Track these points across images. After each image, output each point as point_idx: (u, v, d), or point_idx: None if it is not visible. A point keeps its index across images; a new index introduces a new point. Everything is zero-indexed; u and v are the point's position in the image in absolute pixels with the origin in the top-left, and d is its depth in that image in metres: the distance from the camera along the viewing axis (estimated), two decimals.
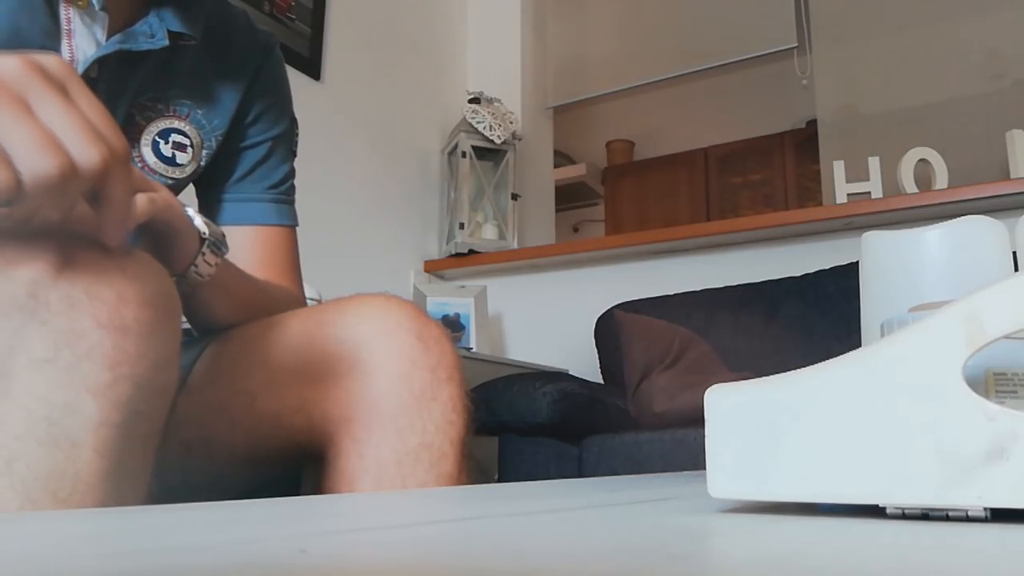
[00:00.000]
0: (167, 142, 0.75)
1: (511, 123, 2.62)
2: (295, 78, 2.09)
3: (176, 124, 0.76)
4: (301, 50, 2.16)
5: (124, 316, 0.47)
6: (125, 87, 0.71)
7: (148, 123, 0.74)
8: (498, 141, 2.56)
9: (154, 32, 0.70)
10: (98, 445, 0.45)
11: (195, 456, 0.70)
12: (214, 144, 0.80)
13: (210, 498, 0.39)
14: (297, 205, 0.89)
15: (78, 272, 0.46)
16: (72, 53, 0.67)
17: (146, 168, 0.75)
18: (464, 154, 2.56)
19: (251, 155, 0.84)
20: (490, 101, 2.63)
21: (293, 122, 0.89)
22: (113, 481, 0.46)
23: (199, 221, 0.65)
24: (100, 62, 0.67)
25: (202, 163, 0.79)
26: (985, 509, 0.28)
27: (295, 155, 0.89)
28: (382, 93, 2.47)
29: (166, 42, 0.70)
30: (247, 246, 0.81)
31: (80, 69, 0.66)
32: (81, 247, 0.47)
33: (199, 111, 0.78)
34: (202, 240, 0.65)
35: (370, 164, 2.39)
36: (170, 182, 0.77)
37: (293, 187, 0.88)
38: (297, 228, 0.88)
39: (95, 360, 0.45)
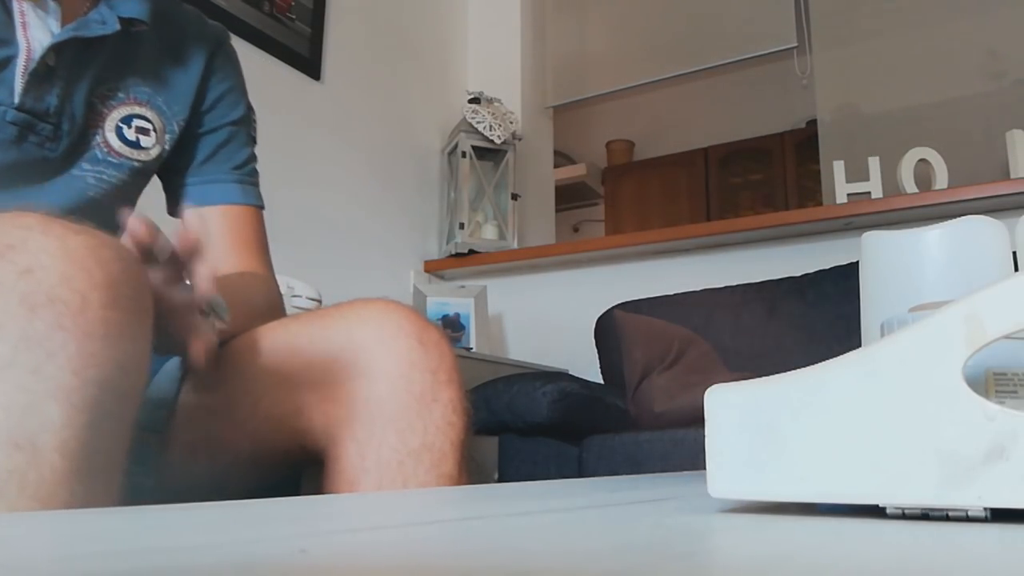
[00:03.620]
0: (130, 127, 0.78)
1: (511, 123, 2.62)
2: (295, 78, 2.12)
3: (137, 110, 0.79)
4: (301, 50, 2.16)
5: (89, 319, 0.46)
6: (83, 74, 0.74)
7: (111, 110, 0.77)
8: (498, 141, 2.55)
9: (105, 19, 0.73)
10: (60, 447, 0.44)
11: (199, 457, 0.70)
12: (176, 129, 0.83)
13: (213, 499, 0.39)
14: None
15: (41, 275, 0.46)
16: (28, 43, 0.70)
17: (112, 153, 0.77)
18: (464, 154, 2.56)
19: (211, 139, 0.87)
20: (490, 101, 2.63)
21: (250, 109, 0.92)
22: (79, 483, 0.45)
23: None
24: (56, 50, 0.71)
25: (166, 147, 0.82)
26: (985, 509, 0.28)
27: (255, 141, 0.93)
28: (382, 93, 2.47)
29: (117, 27, 0.73)
30: (215, 227, 0.84)
31: (36, 57, 0.70)
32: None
33: (159, 97, 0.81)
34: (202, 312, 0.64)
35: (370, 164, 2.39)
36: (137, 165, 0.79)
37: (256, 171, 0.91)
38: (263, 210, 0.91)
39: (58, 364, 0.44)
